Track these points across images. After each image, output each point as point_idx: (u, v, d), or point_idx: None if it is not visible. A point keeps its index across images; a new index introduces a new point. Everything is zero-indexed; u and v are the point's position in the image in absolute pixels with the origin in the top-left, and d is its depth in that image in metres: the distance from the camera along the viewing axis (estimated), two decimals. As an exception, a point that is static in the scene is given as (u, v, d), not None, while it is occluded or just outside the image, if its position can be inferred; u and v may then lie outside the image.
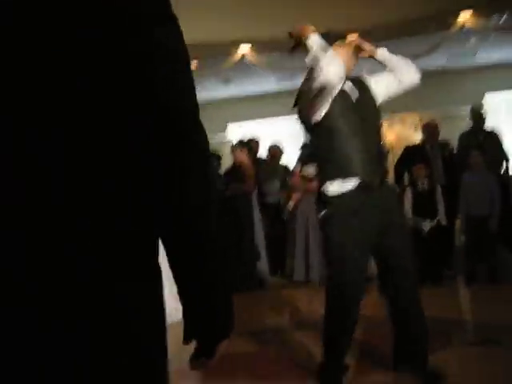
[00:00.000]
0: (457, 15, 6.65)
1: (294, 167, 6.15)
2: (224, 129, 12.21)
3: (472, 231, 5.35)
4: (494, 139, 6.40)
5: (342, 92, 2.74)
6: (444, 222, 5.48)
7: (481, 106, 6.93)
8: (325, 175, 2.79)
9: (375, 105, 2.89)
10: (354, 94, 2.81)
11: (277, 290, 5.78)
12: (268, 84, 10.09)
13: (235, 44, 7.58)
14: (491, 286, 5.15)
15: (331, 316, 2.81)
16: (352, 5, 5.99)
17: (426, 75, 3.23)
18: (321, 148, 2.84)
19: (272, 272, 6.21)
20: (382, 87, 2.88)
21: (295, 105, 2.85)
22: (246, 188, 5.88)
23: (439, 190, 5.54)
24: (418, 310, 2.79)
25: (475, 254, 5.35)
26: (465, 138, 6.42)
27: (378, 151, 2.84)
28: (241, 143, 6.31)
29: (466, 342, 3.55)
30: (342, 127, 2.72)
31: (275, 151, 6.99)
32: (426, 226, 5.41)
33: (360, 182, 2.67)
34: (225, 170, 6.91)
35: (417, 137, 10.38)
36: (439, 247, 5.44)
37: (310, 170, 5.74)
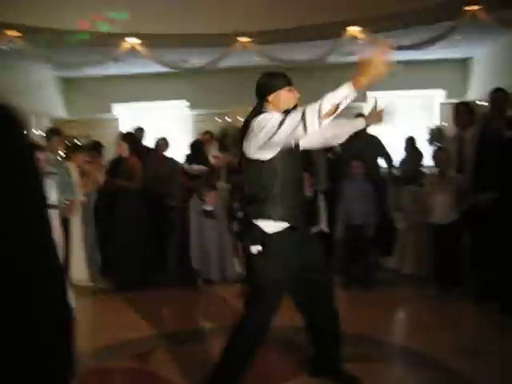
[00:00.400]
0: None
1: (183, 165, 6.10)
2: (109, 108, 11.84)
3: (349, 238, 5.63)
4: (375, 143, 6.72)
5: None
6: (325, 229, 5.74)
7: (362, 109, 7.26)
8: (254, 212, 2.89)
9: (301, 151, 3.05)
10: None
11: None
12: (156, 65, 9.88)
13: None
14: (364, 291, 5.52)
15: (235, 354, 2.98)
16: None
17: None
18: (258, 185, 2.88)
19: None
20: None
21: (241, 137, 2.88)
22: (134, 185, 5.76)
23: (321, 197, 5.76)
24: (334, 325, 3.23)
25: (351, 259, 5.68)
26: (346, 142, 6.67)
27: (302, 196, 3.12)
28: (124, 136, 6.13)
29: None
30: (282, 171, 2.85)
31: (162, 145, 6.87)
32: (308, 232, 5.63)
33: (291, 225, 2.87)
34: (110, 162, 6.69)
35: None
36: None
37: (196, 168, 5.76)
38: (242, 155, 2.89)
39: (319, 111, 2.55)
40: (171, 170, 6.51)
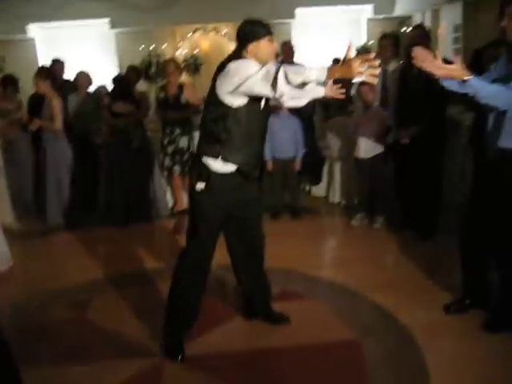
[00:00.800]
0: None
1: (105, 100, 5.90)
2: (23, 29, 11.08)
3: (278, 172, 5.73)
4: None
5: None
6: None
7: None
8: (208, 150, 2.94)
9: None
10: None
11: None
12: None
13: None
14: (293, 220, 5.73)
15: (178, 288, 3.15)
16: None
17: None
18: (221, 127, 2.88)
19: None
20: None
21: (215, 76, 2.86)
22: (56, 126, 5.57)
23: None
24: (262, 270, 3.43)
25: (279, 191, 5.82)
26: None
27: (261, 150, 3.13)
28: (42, 73, 5.80)
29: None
30: (247, 123, 2.87)
31: (83, 80, 6.56)
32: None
33: (238, 168, 2.95)
34: (29, 99, 6.39)
35: (231, 46, 10.46)
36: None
37: (121, 106, 5.60)
38: (211, 92, 2.89)
39: (290, 80, 2.56)
40: (94, 105, 6.28)
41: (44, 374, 3.05)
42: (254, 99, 2.85)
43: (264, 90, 2.65)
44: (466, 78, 2.82)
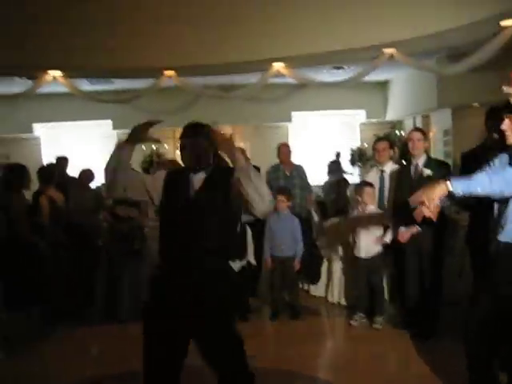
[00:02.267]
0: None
1: (107, 202, 5.98)
2: (30, 128, 11.45)
3: (277, 270, 5.74)
4: (300, 172, 6.90)
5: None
6: (253, 262, 5.82)
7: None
8: None
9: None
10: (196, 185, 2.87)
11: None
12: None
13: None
14: (292, 320, 5.64)
15: None
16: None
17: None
18: None
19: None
20: None
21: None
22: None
23: (249, 231, 5.83)
24: None
25: (279, 290, 5.79)
26: (272, 172, 6.82)
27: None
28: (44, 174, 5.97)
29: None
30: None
31: (86, 175, 6.73)
32: (236, 266, 5.70)
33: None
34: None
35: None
36: (247, 284, 5.82)
37: (126, 211, 5.69)
38: None
39: None
40: (96, 201, 6.39)
41: None
42: None
43: None
44: (446, 188, 2.88)
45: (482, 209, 3.18)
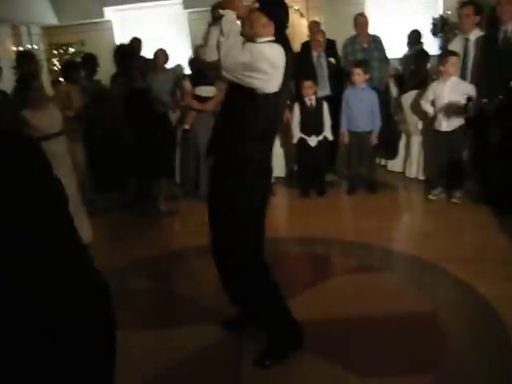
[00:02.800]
0: None
1: (186, 85, 5.96)
2: (101, 13, 11.41)
3: (354, 145, 5.70)
4: (377, 44, 6.58)
5: None
6: (330, 137, 5.80)
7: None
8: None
9: None
10: None
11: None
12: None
13: None
14: (370, 194, 5.68)
15: None
16: None
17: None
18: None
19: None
20: None
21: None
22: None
23: (326, 106, 5.76)
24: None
25: (356, 165, 5.78)
26: (349, 45, 6.54)
27: None
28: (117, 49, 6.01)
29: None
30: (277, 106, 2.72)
31: (162, 56, 6.74)
32: (313, 141, 5.71)
33: None
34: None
35: (303, 22, 10.41)
36: (324, 159, 5.84)
37: (206, 89, 5.69)
38: None
39: None
40: (173, 82, 6.43)
41: (119, 339, 3.04)
42: None
43: None
44: None
45: None
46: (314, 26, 7.05)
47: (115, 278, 4.03)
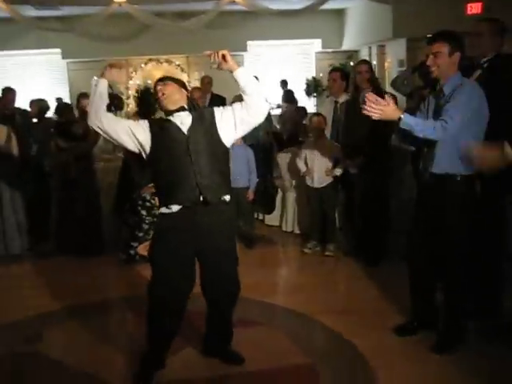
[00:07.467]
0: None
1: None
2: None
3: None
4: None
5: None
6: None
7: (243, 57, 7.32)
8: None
9: (212, 136, 3.05)
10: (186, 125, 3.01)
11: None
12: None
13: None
14: (248, 249, 5.78)
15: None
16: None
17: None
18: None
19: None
20: (227, 118, 3.05)
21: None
22: None
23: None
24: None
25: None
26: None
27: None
28: None
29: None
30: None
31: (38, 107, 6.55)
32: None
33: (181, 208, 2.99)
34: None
35: (184, 77, 10.63)
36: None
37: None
38: None
39: None
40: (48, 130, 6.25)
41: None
42: None
43: None
44: (398, 116, 3.02)
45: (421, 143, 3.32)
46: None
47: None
